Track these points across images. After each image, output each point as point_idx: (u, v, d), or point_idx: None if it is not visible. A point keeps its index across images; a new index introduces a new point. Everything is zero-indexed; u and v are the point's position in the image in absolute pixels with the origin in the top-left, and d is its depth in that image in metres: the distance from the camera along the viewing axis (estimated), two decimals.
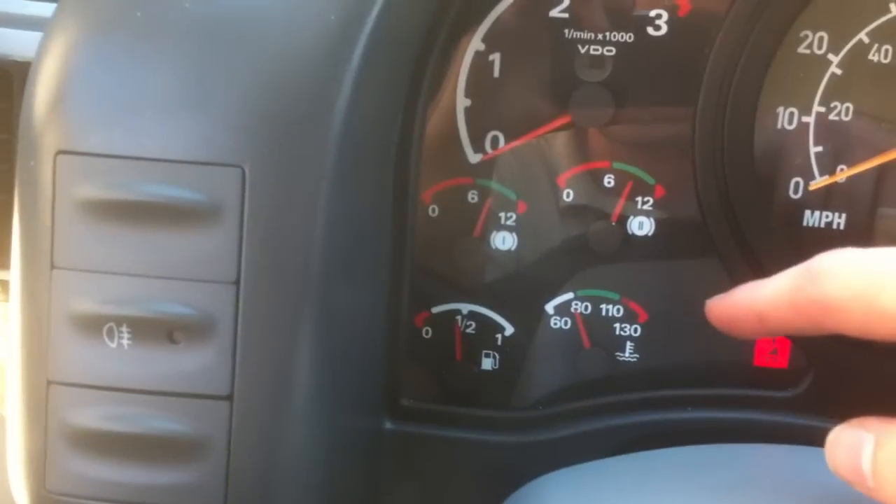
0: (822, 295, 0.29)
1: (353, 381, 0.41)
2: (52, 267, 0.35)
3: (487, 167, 0.45)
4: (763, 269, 0.44)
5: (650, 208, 0.45)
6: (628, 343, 0.46)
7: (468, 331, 0.47)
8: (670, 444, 0.43)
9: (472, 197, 0.45)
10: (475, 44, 0.44)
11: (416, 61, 0.41)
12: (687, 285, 0.45)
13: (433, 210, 0.46)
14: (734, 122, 0.44)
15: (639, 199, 0.45)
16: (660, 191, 0.45)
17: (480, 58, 0.44)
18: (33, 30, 0.48)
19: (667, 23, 0.43)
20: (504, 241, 0.46)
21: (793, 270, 0.31)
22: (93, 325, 0.35)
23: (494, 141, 0.45)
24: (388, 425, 0.45)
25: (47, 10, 0.49)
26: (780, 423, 0.45)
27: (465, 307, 0.47)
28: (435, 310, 0.47)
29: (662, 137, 0.45)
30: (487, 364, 0.47)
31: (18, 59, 0.48)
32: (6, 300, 0.51)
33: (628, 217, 0.45)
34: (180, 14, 0.36)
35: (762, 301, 0.32)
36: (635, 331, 0.46)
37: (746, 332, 0.34)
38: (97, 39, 0.36)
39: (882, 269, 0.28)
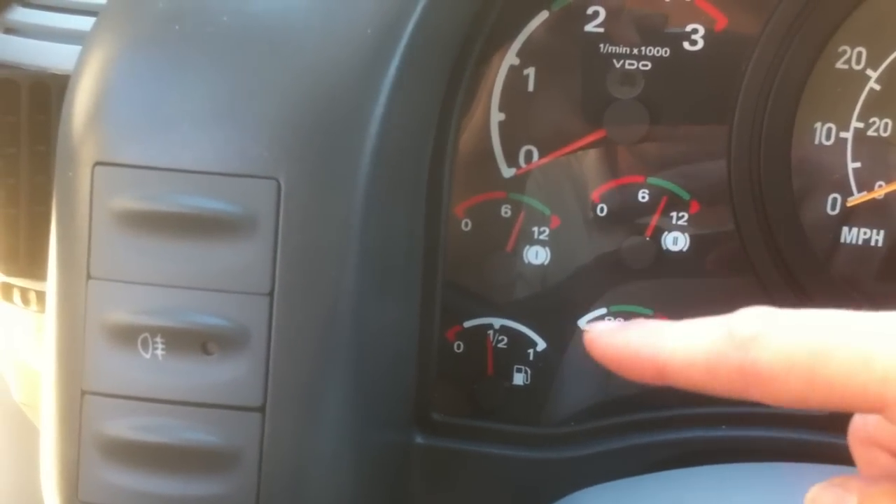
0: (752, 364, 0.25)
1: (385, 394, 0.41)
2: (89, 277, 0.36)
3: (521, 182, 0.45)
4: (800, 285, 0.44)
5: (685, 224, 0.45)
6: None
7: (500, 345, 0.47)
8: (704, 462, 0.43)
9: (506, 211, 0.45)
10: (510, 58, 0.44)
11: (450, 75, 0.41)
12: (722, 302, 0.44)
13: (466, 224, 0.46)
14: (771, 137, 0.43)
15: (673, 214, 0.45)
16: (695, 206, 0.44)
17: (515, 72, 0.44)
18: (70, 43, 0.49)
19: (703, 38, 0.43)
20: (537, 255, 0.46)
21: (708, 328, 0.27)
22: (128, 336, 0.35)
23: (528, 155, 0.45)
24: (419, 440, 0.45)
25: (84, 23, 0.50)
26: (814, 442, 0.45)
27: (498, 322, 0.46)
28: (467, 324, 0.47)
29: (698, 153, 0.44)
30: (519, 379, 0.47)
31: (56, 72, 0.48)
32: (43, 311, 0.51)
33: (663, 232, 0.45)
34: (218, 27, 0.36)
35: (666, 355, 0.27)
36: None
37: (639, 378, 0.29)
38: (136, 52, 0.36)
39: (824, 335, 0.25)
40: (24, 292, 0.52)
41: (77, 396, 0.36)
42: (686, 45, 0.43)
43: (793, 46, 0.42)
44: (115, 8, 0.37)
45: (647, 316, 0.46)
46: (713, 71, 0.43)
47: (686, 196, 0.44)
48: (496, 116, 0.44)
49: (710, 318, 0.27)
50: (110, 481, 0.36)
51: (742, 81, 0.43)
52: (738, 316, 0.26)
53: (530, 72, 0.44)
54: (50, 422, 0.37)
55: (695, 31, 0.43)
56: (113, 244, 0.35)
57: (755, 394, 0.26)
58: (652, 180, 0.44)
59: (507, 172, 0.45)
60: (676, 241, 0.45)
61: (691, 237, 0.45)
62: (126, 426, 0.36)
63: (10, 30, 0.51)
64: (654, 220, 0.45)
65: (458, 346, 0.47)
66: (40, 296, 0.52)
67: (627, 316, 0.46)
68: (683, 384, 0.27)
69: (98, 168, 0.35)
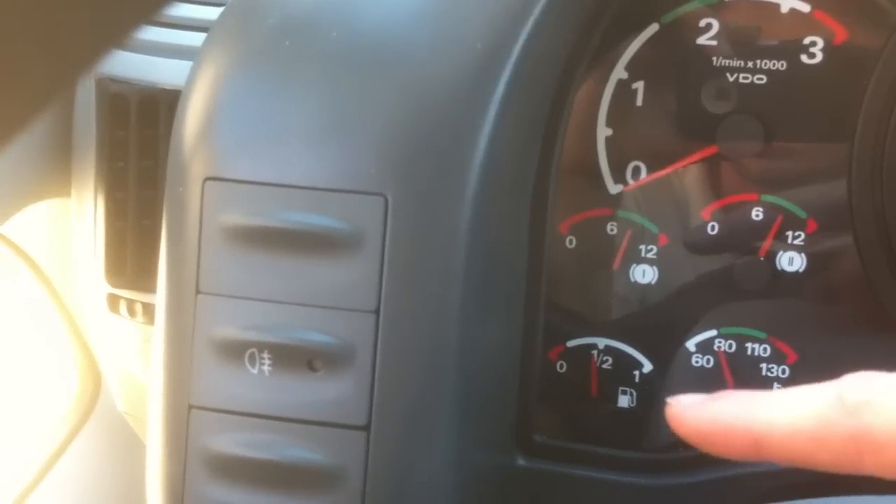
0: (868, 429, 0.24)
1: (488, 415, 0.40)
2: (198, 292, 0.36)
3: (628, 198, 0.44)
4: None
5: (801, 243, 0.43)
6: (776, 385, 0.44)
7: (604, 366, 0.45)
8: (821, 494, 0.41)
9: (612, 229, 0.44)
10: (618, 72, 0.43)
11: (557, 89, 0.40)
12: (840, 326, 0.43)
13: (570, 241, 0.44)
14: (894, 155, 0.41)
15: (789, 233, 0.43)
16: (812, 225, 0.42)
17: (623, 86, 0.43)
18: (179, 58, 0.50)
19: (822, 51, 0.41)
20: (644, 274, 0.44)
21: (812, 395, 0.25)
22: (235, 351, 0.35)
23: (636, 171, 0.43)
24: (521, 462, 0.44)
25: (192, 39, 0.50)
26: None
27: (602, 342, 0.45)
28: (570, 344, 0.45)
29: (816, 170, 0.42)
30: (624, 401, 0.45)
31: (165, 87, 0.49)
32: (149, 322, 0.52)
33: (777, 252, 0.43)
34: (327, 43, 0.36)
35: (763, 426, 0.26)
36: (783, 372, 0.44)
37: (732, 455, 0.27)
38: (246, 69, 0.36)
39: None
40: (130, 304, 0.53)
41: (184, 411, 0.36)
42: (804, 58, 0.41)
43: None
44: (226, 24, 0.38)
45: (760, 339, 0.44)
46: (832, 85, 0.41)
47: (803, 215, 0.43)
48: (603, 131, 0.43)
49: (813, 385, 0.25)
50: (215, 497, 0.36)
51: (863, 96, 0.41)
52: (847, 381, 0.25)
53: (639, 86, 0.43)
54: (156, 435, 0.38)
55: (813, 43, 0.41)
56: (222, 259, 0.35)
57: (869, 463, 0.24)
58: (766, 198, 0.43)
59: (614, 189, 0.44)
60: (792, 262, 0.43)
61: (808, 258, 0.43)
62: (232, 442, 0.36)
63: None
64: (769, 239, 0.43)
65: (561, 367, 0.46)
66: (146, 307, 0.53)
67: (739, 339, 0.44)
68: (783, 458, 0.26)
69: (208, 183, 0.35)
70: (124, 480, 0.64)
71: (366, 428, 0.35)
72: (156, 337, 0.37)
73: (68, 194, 0.52)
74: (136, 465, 0.42)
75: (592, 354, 0.45)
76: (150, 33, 0.50)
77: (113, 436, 0.66)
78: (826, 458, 0.25)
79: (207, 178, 0.35)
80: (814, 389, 0.25)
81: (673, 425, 0.28)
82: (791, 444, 0.25)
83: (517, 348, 0.42)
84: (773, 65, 0.42)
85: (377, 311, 0.35)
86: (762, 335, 0.44)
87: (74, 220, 0.53)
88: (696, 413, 0.27)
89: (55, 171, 0.51)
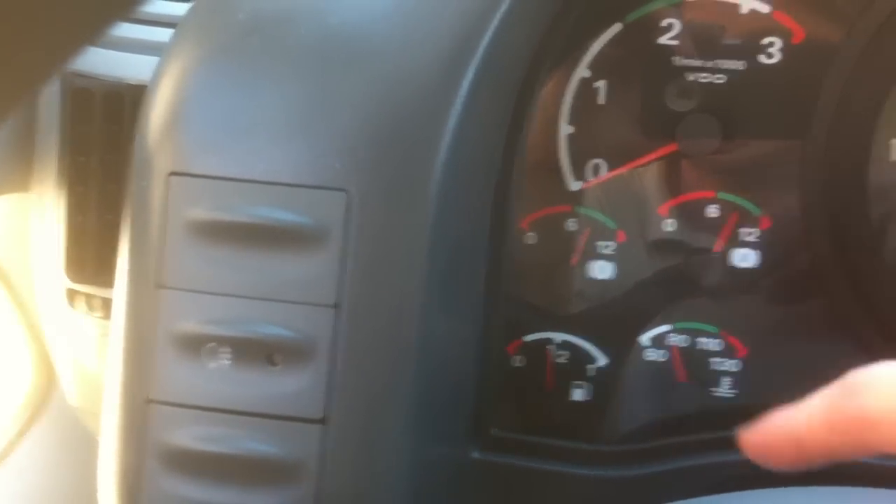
0: (862, 410, 0.27)
1: (445, 408, 0.40)
2: (158, 286, 0.35)
3: (587, 195, 0.44)
4: (874, 309, 0.42)
5: (755, 240, 0.43)
6: (726, 378, 0.45)
7: (560, 360, 0.46)
8: (767, 484, 0.42)
9: (571, 225, 0.44)
10: (581, 70, 0.43)
11: (521, 87, 0.40)
12: (791, 321, 0.44)
13: (530, 237, 0.45)
14: (847, 154, 0.42)
15: (743, 230, 0.43)
16: (766, 222, 0.43)
17: (585, 84, 0.43)
18: (144, 53, 0.49)
19: (780, 50, 0.42)
20: (602, 270, 0.45)
21: (827, 388, 0.28)
22: (194, 345, 0.35)
23: (596, 169, 0.44)
24: (476, 455, 0.44)
25: (159, 34, 0.50)
26: (887, 467, 0.43)
27: (558, 336, 0.46)
28: (527, 338, 0.46)
29: (771, 168, 0.43)
30: (578, 395, 0.46)
31: (130, 82, 0.48)
32: (107, 317, 0.52)
33: (732, 248, 0.44)
34: (295, 39, 0.36)
35: (798, 425, 0.28)
36: (734, 366, 0.45)
37: (785, 462, 0.30)
38: (213, 64, 0.36)
39: None
40: (89, 298, 0.52)
41: (142, 405, 0.36)
42: (762, 58, 0.42)
43: (871, 60, 0.41)
44: (195, 19, 0.37)
45: (712, 334, 0.45)
46: (789, 85, 0.42)
47: (757, 211, 0.43)
48: (565, 129, 0.44)
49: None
50: (173, 491, 0.36)
51: (819, 96, 0.42)
52: (849, 373, 0.27)
53: (601, 84, 0.43)
54: (112, 429, 0.37)
55: (771, 44, 0.42)
56: (184, 254, 0.35)
57: (871, 441, 0.26)
58: (722, 195, 0.43)
59: (574, 186, 0.44)
60: (746, 258, 0.44)
61: (761, 254, 0.44)
62: (190, 436, 0.36)
63: None
64: (724, 235, 0.44)
65: (518, 360, 0.46)
66: (105, 302, 0.52)
67: (692, 333, 0.45)
68: (820, 454, 0.28)
69: (172, 178, 0.35)
70: (76, 476, 0.64)
71: (322, 421, 0.35)
72: (113, 331, 0.37)
73: (27, 189, 0.51)
74: (87, 461, 0.41)
75: (549, 349, 0.46)
76: (117, 29, 0.50)
77: (65, 431, 0.65)
78: (838, 442, 0.27)
79: (172, 173, 0.35)
80: (831, 385, 0.28)
81: (744, 451, 0.31)
82: (818, 437, 0.28)
83: (476, 343, 0.42)
84: (733, 64, 0.42)
85: (337, 306, 0.35)
86: (714, 330, 0.44)
87: (33, 214, 0.52)
88: (755, 434, 0.30)
89: (17, 165, 0.50)
